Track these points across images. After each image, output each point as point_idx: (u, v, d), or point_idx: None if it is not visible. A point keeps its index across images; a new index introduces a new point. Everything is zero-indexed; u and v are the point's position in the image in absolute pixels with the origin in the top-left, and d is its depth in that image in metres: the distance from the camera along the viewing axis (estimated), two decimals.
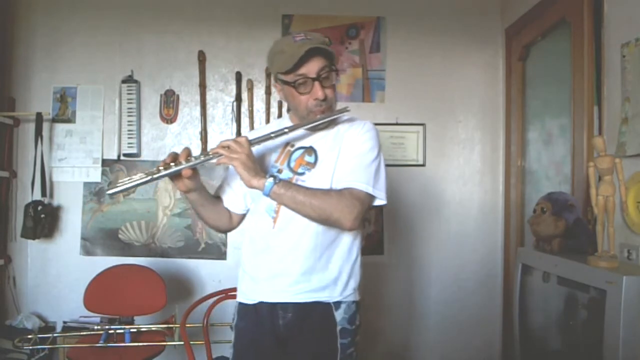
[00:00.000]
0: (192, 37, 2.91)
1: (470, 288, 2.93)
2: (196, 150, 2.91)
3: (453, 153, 2.95)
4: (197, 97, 2.91)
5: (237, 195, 1.52)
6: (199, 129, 2.91)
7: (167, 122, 2.93)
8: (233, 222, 1.58)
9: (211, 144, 2.90)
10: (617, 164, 1.50)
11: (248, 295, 1.48)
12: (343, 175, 1.37)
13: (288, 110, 1.55)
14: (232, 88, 2.92)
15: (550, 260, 1.69)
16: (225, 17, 2.92)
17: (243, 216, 1.57)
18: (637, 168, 1.62)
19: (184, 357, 2.16)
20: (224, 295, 2.25)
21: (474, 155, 2.96)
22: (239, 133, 2.89)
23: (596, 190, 1.53)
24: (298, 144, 1.46)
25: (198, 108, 2.91)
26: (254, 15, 2.92)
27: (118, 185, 1.26)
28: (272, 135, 1.35)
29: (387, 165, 3.06)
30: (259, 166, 1.32)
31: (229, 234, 2.90)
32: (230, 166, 1.36)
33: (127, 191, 1.29)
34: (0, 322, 2.78)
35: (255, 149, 1.35)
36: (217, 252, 2.91)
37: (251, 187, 1.30)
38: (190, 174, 1.30)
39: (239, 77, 2.91)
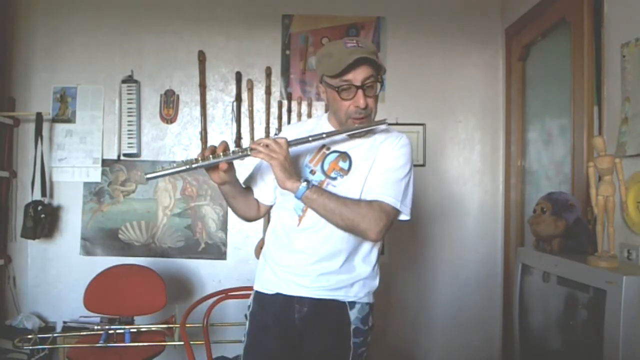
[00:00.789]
0: (192, 37, 2.91)
1: (470, 288, 2.93)
2: (195, 151, 2.93)
3: (453, 153, 2.95)
4: (197, 97, 2.91)
5: (269, 188, 1.55)
6: (199, 129, 2.91)
7: (167, 122, 2.93)
8: (261, 212, 1.60)
9: (211, 144, 2.89)
10: (617, 164, 1.50)
11: (267, 285, 1.51)
12: (374, 187, 1.41)
13: (326, 110, 1.57)
14: (232, 88, 2.92)
15: (550, 260, 1.69)
16: (225, 17, 2.92)
17: (271, 207, 1.60)
18: (637, 168, 1.62)
19: (184, 357, 2.16)
20: (224, 295, 2.25)
21: (474, 155, 2.96)
22: (239, 133, 2.89)
23: (596, 190, 1.53)
24: (333, 148, 1.48)
25: (198, 108, 2.91)
26: (254, 15, 2.92)
27: (157, 171, 1.31)
28: (310, 139, 1.38)
29: None
30: (293, 167, 1.37)
31: (229, 234, 2.90)
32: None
33: (164, 177, 1.37)
34: (0, 322, 2.78)
35: (292, 148, 1.38)
36: (217, 252, 2.91)
37: (284, 188, 1.34)
38: (226, 167, 1.35)
39: (239, 77, 2.91)
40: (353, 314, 1.44)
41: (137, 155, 2.90)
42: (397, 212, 1.41)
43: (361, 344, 1.45)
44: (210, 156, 1.33)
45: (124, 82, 2.90)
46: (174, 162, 1.33)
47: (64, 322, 2.78)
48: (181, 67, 2.92)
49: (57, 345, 2.55)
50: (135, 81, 2.90)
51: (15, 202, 2.89)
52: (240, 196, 1.52)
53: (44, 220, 2.75)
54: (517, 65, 2.78)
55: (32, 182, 2.79)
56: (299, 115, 2.89)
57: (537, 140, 2.63)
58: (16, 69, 2.91)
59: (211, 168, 1.36)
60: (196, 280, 2.90)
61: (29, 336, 2.48)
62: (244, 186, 1.57)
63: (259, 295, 1.53)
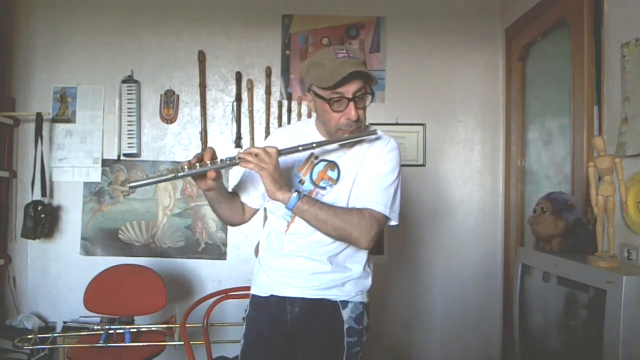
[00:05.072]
0: (192, 37, 2.91)
1: (470, 288, 2.93)
2: (195, 151, 2.93)
3: (453, 153, 2.95)
4: (197, 97, 2.91)
5: (258, 192, 1.54)
6: (199, 129, 2.91)
7: (167, 122, 2.93)
8: (246, 216, 1.59)
9: (211, 144, 2.90)
10: (617, 164, 1.50)
11: (261, 288, 1.52)
12: (363, 194, 1.40)
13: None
14: (232, 88, 2.92)
15: (550, 260, 1.69)
16: (225, 17, 2.92)
17: (256, 211, 1.59)
18: (637, 168, 1.62)
19: (184, 357, 2.16)
20: (224, 295, 2.25)
21: (474, 155, 2.96)
22: (239, 133, 2.89)
23: (596, 190, 1.53)
24: (321, 157, 1.48)
25: (198, 108, 2.91)
26: (254, 15, 2.92)
27: (141, 179, 1.27)
28: (300, 148, 1.36)
29: None
30: (283, 177, 1.35)
31: (229, 234, 2.90)
32: None
33: (149, 185, 1.30)
34: (0, 322, 2.78)
35: (281, 157, 1.36)
36: (217, 252, 2.90)
37: (275, 199, 1.32)
38: (214, 175, 1.31)
39: (239, 77, 2.91)
40: (346, 313, 1.45)
41: (137, 155, 2.90)
42: (387, 219, 1.42)
43: (355, 344, 1.45)
44: (197, 164, 1.29)
45: (124, 82, 2.89)
46: (160, 170, 1.28)
47: (64, 322, 2.78)
48: (181, 67, 2.92)
49: (57, 345, 2.55)
50: (135, 81, 2.90)
51: (15, 202, 2.89)
52: (226, 202, 1.50)
53: (44, 220, 2.75)
54: (517, 65, 2.78)
55: (32, 182, 2.79)
56: (299, 115, 2.89)
57: (537, 140, 2.63)
58: (16, 69, 2.91)
59: (198, 176, 1.32)
60: (196, 280, 2.90)
61: (29, 336, 2.48)
62: (230, 191, 1.55)
63: (254, 299, 1.55)
